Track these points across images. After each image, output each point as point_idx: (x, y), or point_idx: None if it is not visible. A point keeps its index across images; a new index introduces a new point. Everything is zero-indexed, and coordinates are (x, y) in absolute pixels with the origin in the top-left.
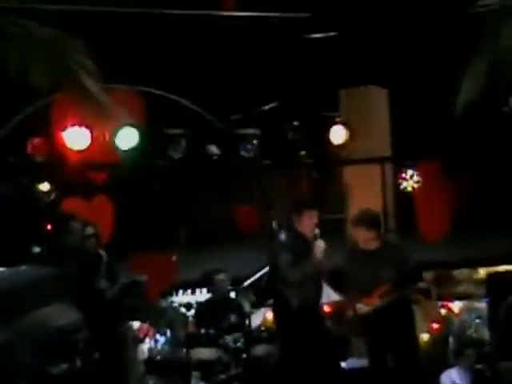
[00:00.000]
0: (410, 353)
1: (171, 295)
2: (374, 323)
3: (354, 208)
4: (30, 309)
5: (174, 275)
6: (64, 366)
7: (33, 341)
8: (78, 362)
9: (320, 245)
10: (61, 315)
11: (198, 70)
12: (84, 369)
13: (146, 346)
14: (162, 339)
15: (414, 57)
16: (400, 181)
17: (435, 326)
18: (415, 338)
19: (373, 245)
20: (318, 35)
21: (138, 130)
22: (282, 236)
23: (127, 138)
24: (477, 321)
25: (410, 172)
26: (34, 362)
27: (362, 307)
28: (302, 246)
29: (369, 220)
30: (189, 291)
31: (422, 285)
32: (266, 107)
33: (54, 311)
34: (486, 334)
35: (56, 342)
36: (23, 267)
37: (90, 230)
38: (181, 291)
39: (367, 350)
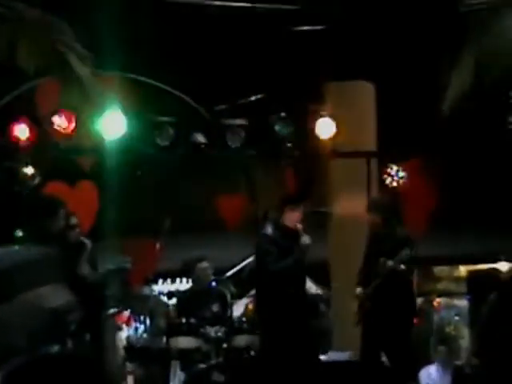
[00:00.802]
0: (404, 346)
1: (152, 283)
2: (372, 309)
3: (339, 202)
4: (23, 289)
5: (156, 263)
6: (56, 347)
7: (25, 321)
8: (69, 344)
9: (305, 240)
10: (55, 296)
11: (187, 58)
12: (75, 350)
13: (124, 333)
14: (141, 327)
15: (402, 52)
16: (385, 176)
17: (415, 320)
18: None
19: (382, 229)
20: (306, 28)
21: (126, 116)
22: (269, 228)
23: (114, 124)
24: (456, 318)
25: (395, 168)
26: (26, 342)
27: (359, 290)
28: (287, 239)
29: (380, 206)
30: (169, 280)
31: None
32: (253, 98)
33: (48, 292)
34: (464, 331)
35: (49, 324)
36: (17, 247)
37: (73, 220)
38: (161, 280)
39: (361, 343)
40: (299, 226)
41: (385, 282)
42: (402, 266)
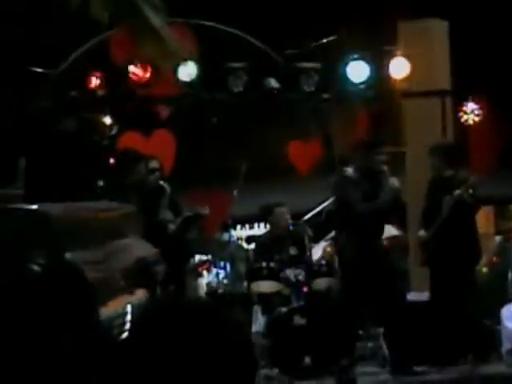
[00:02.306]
0: (469, 284)
1: (230, 229)
2: (433, 249)
3: (414, 141)
4: (110, 238)
5: (232, 209)
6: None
7: (119, 264)
8: (158, 292)
9: (394, 183)
10: (140, 247)
11: (259, 2)
12: (164, 299)
13: (204, 280)
14: (222, 273)
15: None
16: (461, 114)
17: (494, 259)
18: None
19: (446, 173)
20: None
21: (199, 63)
22: (349, 171)
23: (188, 72)
24: None
25: (470, 105)
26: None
27: (422, 233)
28: (371, 181)
29: (441, 149)
30: (247, 225)
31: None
32: (326, 40)
33: (133, 243)
34: None
35: (139, 270)
36: (100, 202)
37: (153, 164)
38: (239, 225)
39: (430, 284)
40: (385, 168)
41: (448, 219)
42: (469, 197)
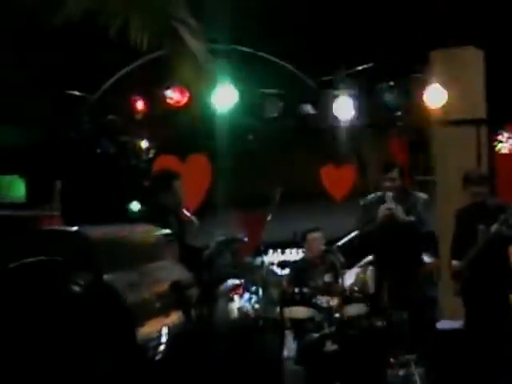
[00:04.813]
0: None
1: (263, 254)
2: (468, 279)
3: (449, 169)
4: (144, 261)
5: (264, 234)
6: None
7: (155, 286)
8: (193, 316)
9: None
10: (175, 270)
11: (295, 29)
12: (197, 323)
13: (235, 304)
14: (254, 297)
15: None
16: (495, 143)
17: None
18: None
19: (479, 199)
20: None
21: (236, 88)
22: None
23: (225, 97)
24: None
25: (506, 134)
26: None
27: (456, 263)
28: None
29: (476, 177)
30: (279, 250)
31: None
32: (361, 67)
33: (167, 266)
34: None
35: (173, 293)
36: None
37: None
38: (271, 250)
39: (464, 311)
40: (389, 194)
41: (483, 250)
42: (507, 230)
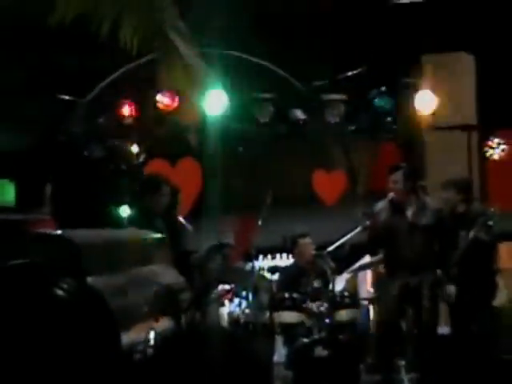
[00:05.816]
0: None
1: (254, 259)
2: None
3: (438, 175)
4: (136, 265)
5: (255, 239)
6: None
7: (144, 291)
8: (182, 320)
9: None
10: (165, 274)
11: (286, 35)
12: (187, 327)
13: (226, 309)
14: (244, 302)
15: (503, 23)
16: (486, 148)
17: None
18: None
19: (460, 208)
20: (405, 1)
21: (227, 93)
22: (379, 204)
23: (216, 102)
24: None
25: (496, 140)
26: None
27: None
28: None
29: (458, 184)
30: (269, 256)
31: None
32: (352, 73)
33: (157, 270)
34: None
35: (163, 297)
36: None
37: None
38: (261, 255)
39: (450, 318)
40: (390, 195)
41: (465, 256)
42: (485, 235)
